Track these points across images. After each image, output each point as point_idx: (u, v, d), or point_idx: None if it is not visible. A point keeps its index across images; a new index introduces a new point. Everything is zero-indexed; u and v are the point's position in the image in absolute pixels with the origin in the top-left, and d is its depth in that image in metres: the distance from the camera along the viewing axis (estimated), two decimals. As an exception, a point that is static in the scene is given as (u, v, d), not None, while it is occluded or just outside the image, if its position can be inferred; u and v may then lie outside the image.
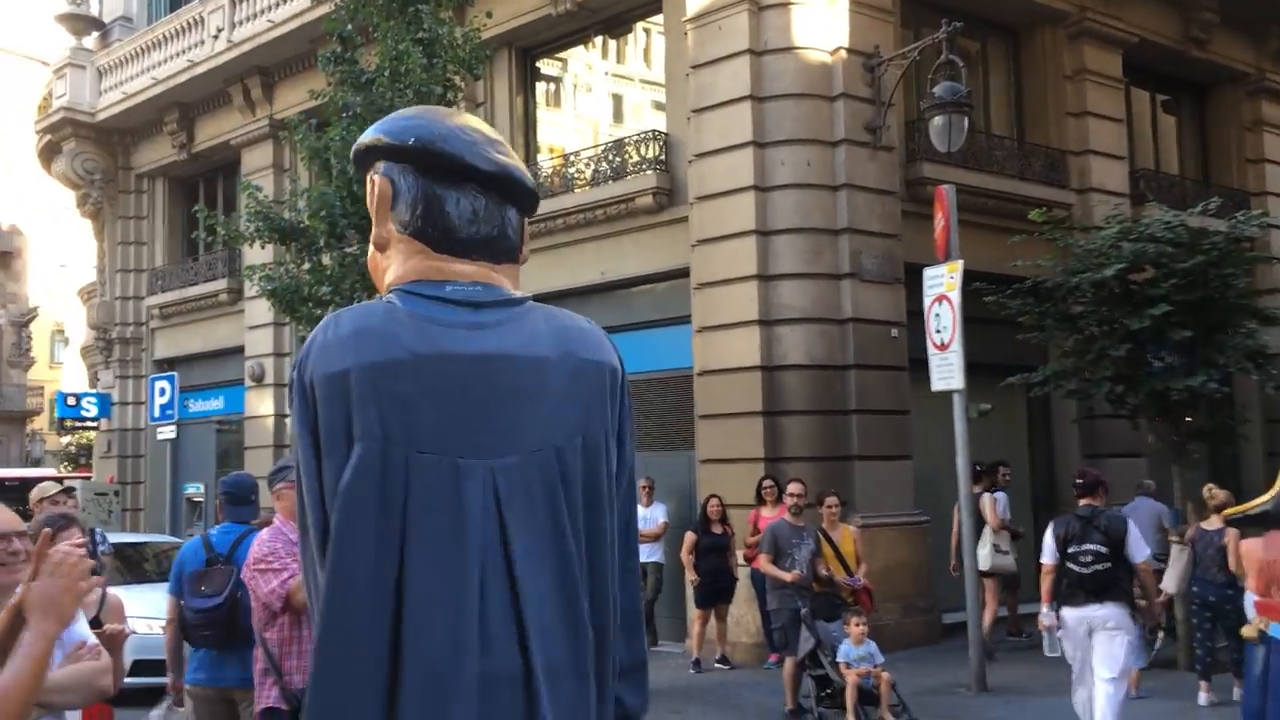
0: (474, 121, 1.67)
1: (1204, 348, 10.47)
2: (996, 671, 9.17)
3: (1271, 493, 3.53)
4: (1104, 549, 6.31)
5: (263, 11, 15.68)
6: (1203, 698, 8.14)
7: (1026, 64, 13.54)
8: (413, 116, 1.66)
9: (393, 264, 1.63)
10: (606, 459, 1.56)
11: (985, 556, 10.56)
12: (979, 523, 10.60)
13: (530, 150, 13.65)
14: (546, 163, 13.29)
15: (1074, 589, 6.39)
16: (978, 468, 10.97)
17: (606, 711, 1.57)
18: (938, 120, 10.25)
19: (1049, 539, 6.63)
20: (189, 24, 17.17)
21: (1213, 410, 11.49)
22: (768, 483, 9.89)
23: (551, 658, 1.48)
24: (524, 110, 13.74)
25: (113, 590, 4.38)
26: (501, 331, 1.55)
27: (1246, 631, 3.53)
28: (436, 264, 1.59)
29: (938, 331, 9.33)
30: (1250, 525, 3.88)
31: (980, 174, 11.96)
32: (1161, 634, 9.45)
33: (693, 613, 10.37)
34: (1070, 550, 6.42)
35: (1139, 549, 6.38)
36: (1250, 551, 3.56)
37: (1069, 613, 6.41)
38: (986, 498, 10.72)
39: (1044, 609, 6.59)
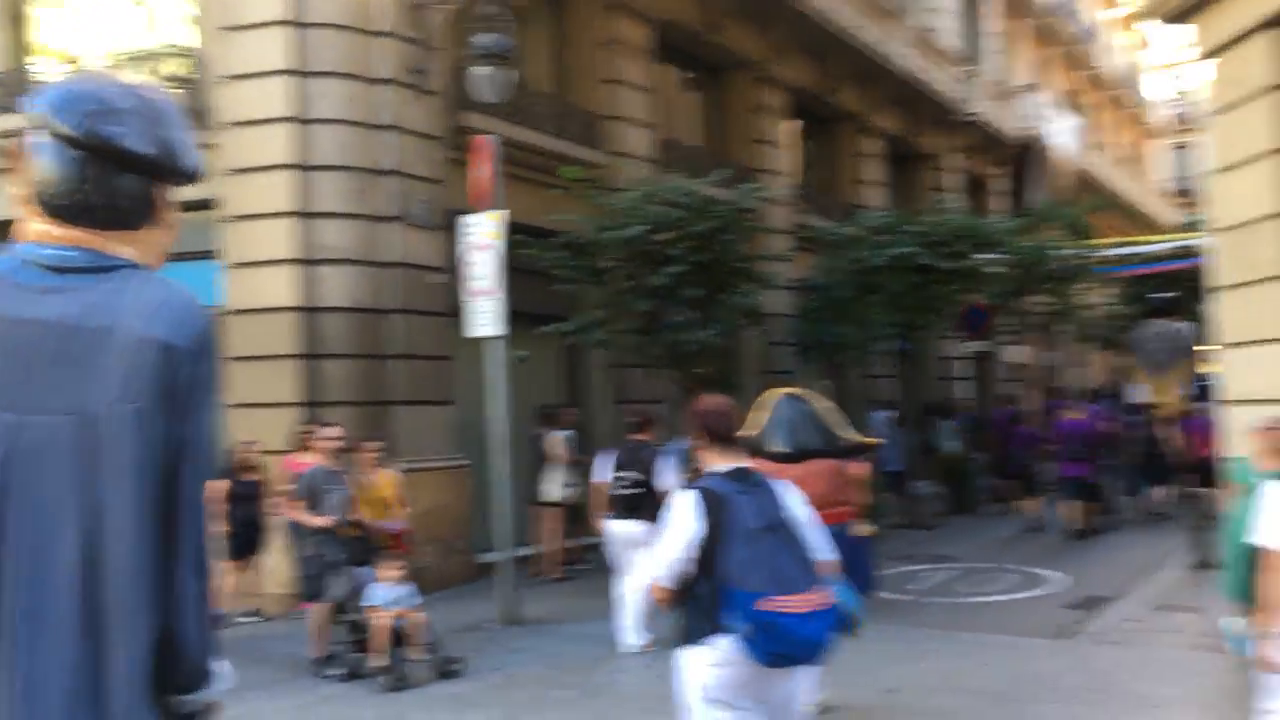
0: (115, 90, 1.68)
1: (711, 305, 11.75)
2: (532, 605, 9.64)
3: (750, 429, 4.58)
4: (640, 476, 8.13)
5: None
6: None
7: (568, 28, 14.14)
8: (64, 80, 1.72)
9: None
10: (141, 433, 1.57)
11: (555, 490, 11.44)
12: (544, 459, 11.42)
13: (21, 53, 11.81)
14: (48, 69, 11.57)
15: (615, 507, 8.21)
16: (547, 411, 11.77)
17: (117, 674, 1.57)
18: (481, 70, 10.39)
19: (604, 463, 8.44)
20: None
21: (721, 361, 12.95)
22: (309, 428, 9.52)
23: (31, 611, 1.55)
24: (13, 1, 11.85)
25: None
26: (69, 297, 1.60)
27: None
28: (45, 228, 1.66)
29: (476, 279, 9.52)
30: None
31: (523, 128, 12.31)
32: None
33: (222, 565, 9.78)
34: (614, 476, 8.25)
35: (663, 479, 8.03)
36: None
37: (613, 524, 8.20)
38: (555, 436, 11.43)
39: (601, 516, 8.38)
